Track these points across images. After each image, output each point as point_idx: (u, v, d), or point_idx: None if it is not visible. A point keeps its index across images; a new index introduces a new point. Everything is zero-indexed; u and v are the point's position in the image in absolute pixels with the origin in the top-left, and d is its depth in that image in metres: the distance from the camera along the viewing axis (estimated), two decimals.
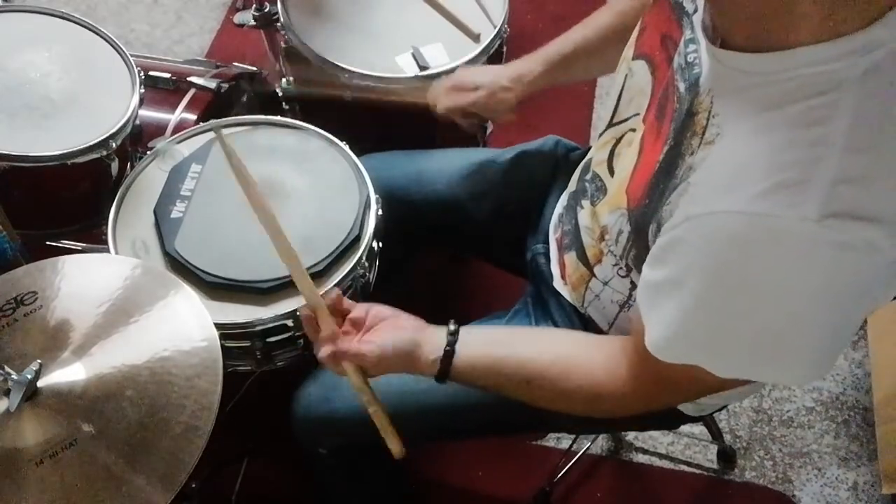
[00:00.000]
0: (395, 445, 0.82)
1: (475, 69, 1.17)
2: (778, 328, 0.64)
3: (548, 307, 1.04)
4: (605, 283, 0.91)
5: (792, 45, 0.59)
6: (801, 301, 0.61)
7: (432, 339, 0.84)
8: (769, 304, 0.62)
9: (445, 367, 0.83)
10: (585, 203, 0.95)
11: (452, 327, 0.85)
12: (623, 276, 0.88)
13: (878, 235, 0.57)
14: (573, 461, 1.49)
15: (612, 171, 0.90)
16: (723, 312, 0.65)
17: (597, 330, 0.96)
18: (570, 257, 0.99)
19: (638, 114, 0.84)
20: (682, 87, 0.72)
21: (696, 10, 0.74)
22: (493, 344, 0.87)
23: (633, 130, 0.85)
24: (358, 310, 0.85)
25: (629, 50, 0.89)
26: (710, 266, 0.63)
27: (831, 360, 0.68)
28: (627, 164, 0.82)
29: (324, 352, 0.82)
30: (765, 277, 0.61)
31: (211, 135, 1.18)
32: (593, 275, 0.93)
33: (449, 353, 0.82)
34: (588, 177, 0.95)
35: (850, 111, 0.57)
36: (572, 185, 1.04)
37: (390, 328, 0.84)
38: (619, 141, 0.89)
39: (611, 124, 0.92)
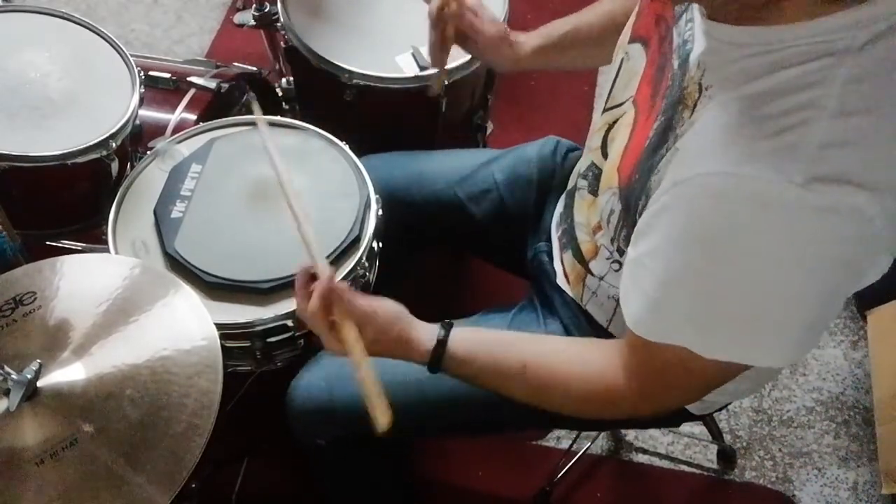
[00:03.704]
0: (381, 416, 0.74)
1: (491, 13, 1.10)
2: (759, 295, 0.63)
3: (553, 304, 1.04)
4: (601, 279, 0.92)
5: (786, 21, 0.58)
6: (783, 267, 0.60)
7: (424, 328, 0.83)
8: (751, 269, 0.61)
9: (439, 352, 0.81)
10: (581, 197, 0.95)
11: (444, 321, 0.84)
12: (617, 271, 0.88)
13: (864, 201, 0.56)
14: (573, 461, 1.48)
15: (605, 156, 0.90)
16: (704, 275, 0.64)
17: (598, 326, 0.97)
18: (568, 256, 1.00)
19: (631, 96, 0.84)
20: (676, 64, 0.72)
21: None
22: (488, 336, 0.86)
23: (625, 113, 0.85)
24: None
25: (625, 35, 0.89)
26: (693, 229, 0.63)
27: (814, 336, 0.67)
28: (619, 144, 0.82)
29: (322, 283, 0.78)
30: (748, 240, 0.60)
31: (210, 135, 1.18)
32: (589, 271, 0.93)
33: (443, 338, 0.82)
34: (584, 169, 0.95)
35: (845, 77, 0.56)
36: (569, 184, 1.04)
37: (379, 299, 0.83)
38: (612, 126, 0.89)
39: (606, 108, 0.92)
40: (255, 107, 1.04)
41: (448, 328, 0.83)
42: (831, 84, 0.56)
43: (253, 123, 1.19)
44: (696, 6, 0.71)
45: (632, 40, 0.87)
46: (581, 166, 0.97)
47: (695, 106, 0.66)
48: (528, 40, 1.09)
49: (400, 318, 0.83)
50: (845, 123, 0.56)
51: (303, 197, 1.07)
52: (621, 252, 0.84)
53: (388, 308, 0.82)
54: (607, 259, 0.89)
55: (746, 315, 0.64)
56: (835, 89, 0.56)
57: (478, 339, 0.84)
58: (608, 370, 0.79)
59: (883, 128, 0.57)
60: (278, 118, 1.20)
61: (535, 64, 1.10)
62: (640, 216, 0.71)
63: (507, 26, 1.09)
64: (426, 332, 0.83)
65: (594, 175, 0.91)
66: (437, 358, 0.82)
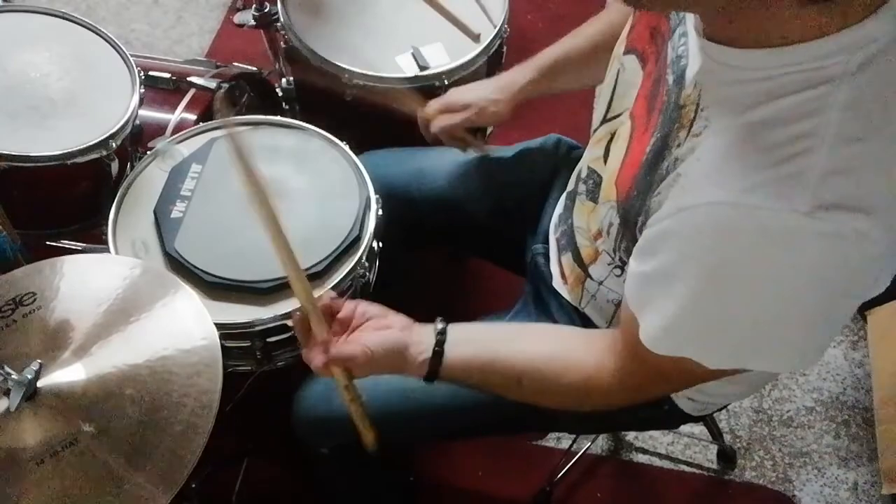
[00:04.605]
0: (368, 438, 0.83)
1: (464, 88, 1.17)
2: (768, 318, 0.64)
3: (548, 307, 1.04)
4: (600, 283, 0.91)
5: (778, 43, 0.59)
6: (790, 292, 0.61)
7: (420, 338, 0.83)
8: (759, 295, 0.62)
9: (434, 367, 0.82)
10: (581, 202, 0.95)
11: (440, 325, 0.84)
12: (618, 276, 0.88)
13: (867, 225, 0.57)
14: (573, 461, 1.49)
15: (606, 165, 0.90)
16: (714, 304, 0.65)
17: (596, 328, 0.96)
18: (567, 258, 0.99)
19: (628, 108, 0.84)
20: (671, 79, 0.72)
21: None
22: (483, 342, 0.86)
23: (623, 124, 0.85)
24: (346, 309, 0.83)
25: (620, 46, 0.89)
26: (701, 258, 0.63)
27: (821, 348, 0.68)
28: (616, 157, 0.82)
29: (316, 360, 0.80)
30: (755, 269, 0.61)
31: (210, 135, 1.18)
32: (588, 275, 0.93)
33: (438, 353, 0.82)
34: (584, 175, 0.95)
35: (842, 103, 0.57)
36: (569, 185, 1.04)
37: (377, 328, 0.83)
38: (613, 136, 0.90)
39: (605, 120, 0.92)
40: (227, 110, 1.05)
41: (442, 342, 0.82)
42: (829, 112, 0.57)
43: (253, 124, 1.19)
44: (690, 21, 0.71)
45: (626, 52, 0.87)
46: (581, 171, 0.97)
47: (691, 126, 0.66)
48: (520, 79, 1.12)
49: (399, 351, 0.82)
50: (846, 151, 0.57)
51: (302, 196, 1.08)
52: (623, 261, 0.84)
53: (388, 347, 0.81)
54: (608, 265, 0.89)
55: (757, 333, 0.66)
56: (833, 117, 0.57)
57: (472, 350, 0.84)
58: (602, 371, 0.79)
59: (882, 151, 0.57)
60: (278, 118, 1.20)
61: (530, 96, 1.13)
62: (640, 232, 0.72)
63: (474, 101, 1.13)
64: (422, 345, 0.82)
65: (595, 182, 0.91)
66: (433, 372, 0.82)
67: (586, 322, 0.98)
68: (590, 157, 0.95)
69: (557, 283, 1.03)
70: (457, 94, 1.16)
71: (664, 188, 0.67)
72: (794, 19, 0.57)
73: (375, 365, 0.81)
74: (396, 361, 0.82)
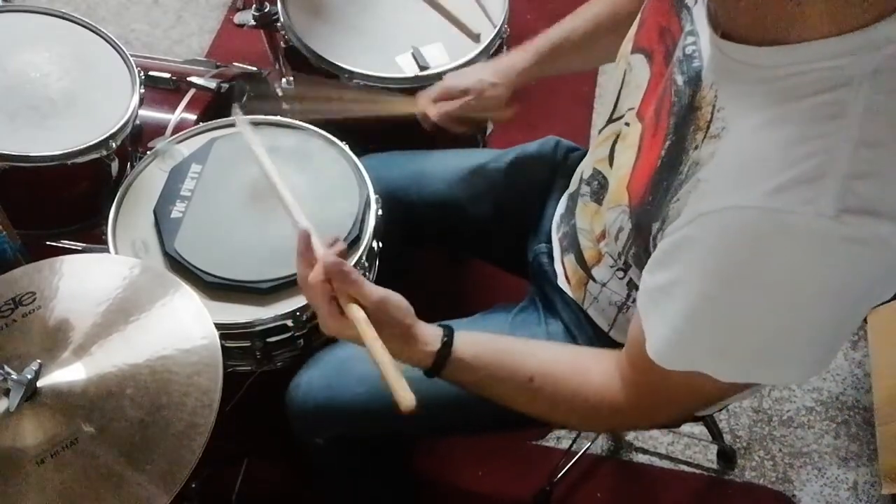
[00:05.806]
0: (405, 395, 0.71)
1: (461, 72, 1.17)
2: (786, 325, 0.63)
3: (553, 305, 1.03)
4: (603, 285, 0.91)
5: (796, 39, 0.58)
6: (811, 297, 0.60)
7: (428, 327, 0.81)
8: (779, 300, 0.61)
9: (442, 358, 0.79)
10: (584, 203, 0.95)
11: (444, 323, 0.82)
12: (621, 278, 0.87)
13: (889, 231, 0.56)
14: (573, 461, 1.49)
15: (612, 166, 0.89)
16: (732, 310, 0.64)
17: (599, 330, 0.96)
18: (569, 260, 0.99)
19: (632, 108, 0.83)
20: (679, 80, 0.71)
21: (696, 2, 0.73)
22: (494, 340, 0.84)
23: (627, 125, 0.84)
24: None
25: (627, 45, 0.88)
26: (721, 263, 0.62)
27: (832, 356, 0.67)
28: (626, 160, 0.81)
29: (325, 257, 0.75)
30: (777, 274, 0.60)
31: (210, 135, 1.18)
32: (591, 277, 0.93)
33: (447, 343, 0.79)
34: (587, 176, 0.95)
35: (862, 107, 0.56)
36: (571, 186, 1.03)
37: (387, 290, 0.80)
38: (618, 137, 0.89)
39: (611, 119, 0.91)
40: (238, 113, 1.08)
41: (451, 331, 0.80)
42: (851, 114, 0.56)
43: (253, 124, 1.19)
44: (700, 20, 0.70)
45: (634, 51, 0.86)
46: (584, 172, 0.96)
47: (708, 128, 0.65)
48: (519, 61, 1.12)
49: (409, 312, 0.80)
50: (867, 154, 0.56)
51: (302, 196, 1.08)
52: (628, 266, 0.83)
53: (398, 299, 0.79)
54: (611, 267, 0.88)
55: (772, 343, 0.65)
56: (854, 119, 0.56)
57: (483, 344, 0.82)
58: (610, 387, 0.77)
59: None
60: (278, 118, 1.20)
61: (530, 79, 1.13)
62: (654, 240, 0.70)
63: (474, 84, 1.13)
64: (430, 333, 0.80)
65: (599, 184, 0.91)
66: (441, 361, 0.79)
67: (591, 320, 0.97)
68: (594, 157, 0.94)
69: (561, 281, 1.03)
70: (454, 80, 1.15)
71: (684, 194, 0.66)
72: (817, 12, 0.56)
73: (388, 313, 0.77)
74: (408, 332, 0.78)
